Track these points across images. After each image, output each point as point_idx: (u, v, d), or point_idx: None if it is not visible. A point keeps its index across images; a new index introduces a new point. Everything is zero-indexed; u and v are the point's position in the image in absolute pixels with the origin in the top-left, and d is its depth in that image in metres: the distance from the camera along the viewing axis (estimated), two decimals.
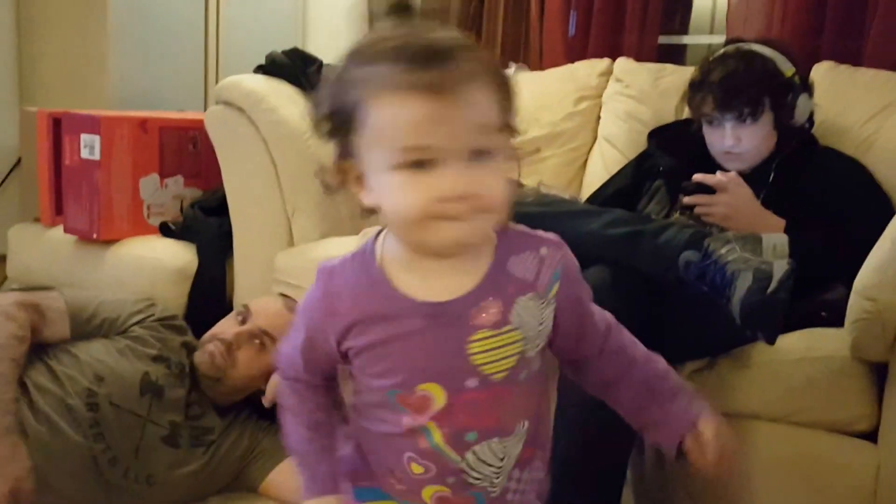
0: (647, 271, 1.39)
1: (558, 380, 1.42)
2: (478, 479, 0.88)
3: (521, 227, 0.90)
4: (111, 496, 1.58)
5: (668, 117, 2.08)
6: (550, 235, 0.90)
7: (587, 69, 2.35)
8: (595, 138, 2.26)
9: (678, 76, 2.13)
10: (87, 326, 1.69)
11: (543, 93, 2.35)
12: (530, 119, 2.31)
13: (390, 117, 0.76)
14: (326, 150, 2.12)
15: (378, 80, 0.76)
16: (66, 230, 2.21)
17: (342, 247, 1.83)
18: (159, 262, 2.10)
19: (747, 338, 1.41)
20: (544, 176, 2.18)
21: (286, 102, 2.03)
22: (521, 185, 1.61)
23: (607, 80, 2.30)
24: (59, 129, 2.23)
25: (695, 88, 1.73)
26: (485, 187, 0.78)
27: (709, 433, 0.94)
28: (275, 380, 1.78)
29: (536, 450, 0.92)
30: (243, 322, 1.79)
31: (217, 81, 2.57)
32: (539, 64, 2.63)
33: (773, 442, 1.46)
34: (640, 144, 2.00)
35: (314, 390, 0.95)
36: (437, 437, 0.86)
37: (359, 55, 0.80)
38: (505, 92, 0.81)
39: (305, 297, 0.90)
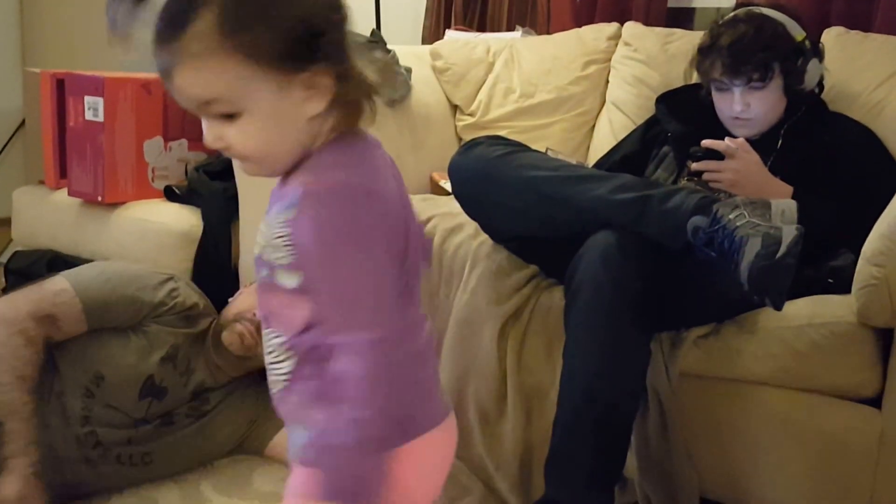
0: (654, 237, 1.38)
1: (564, 348, 1.43)
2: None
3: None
4: (108, 480, 1.58)
5: (677, 82, 2.06)
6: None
7: (595, 33, 2.33)
8: (603, 103, 2.24)
9: (687, 40, 2.11)
10: (102, 321, 1.62)
11: (550, 57, 2.32)
12: (537, 83, 2.29)
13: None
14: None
15: None
16: (70, 193, 2.20)
17: None
18: (164, 226, 2.09)
19: (754, 303, 1.41)
20: (551, 141, 2.17)
21: None
22: (528, 151, 1.61)
23: (615, 45, 2.28)
24: (63, 90, 2.21)
25: (704, 53, 1.71)
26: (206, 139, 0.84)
27: None
28: None
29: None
30: None
31: None
32: (546, 28, 2.60)
33: (778, 407, 1.47)
34: (649, 110, 1.98)
35: None
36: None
37: None
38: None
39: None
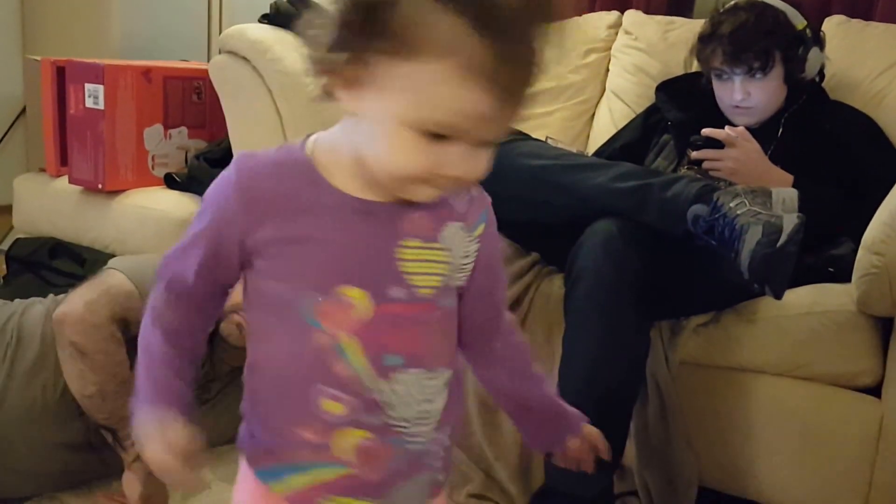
0: (655, 225, 1.37)
1: (563, 335, 1.42)
2: (397, 421, 0.78)
3: None
4: (111, 467, 1.58)
5: (677, 70, 2.05)
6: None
7: (595, 21, 2.31)
8: (603, 91, 2.23)
9: (687, 29, 2.09)
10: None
11: (550, 45, 2.31)
12: None
13: (446, 92, 0.66)
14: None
15: (457, 42, 0.65)
16: (71, 180, 2.19)
17: None
18: (164, 214, 2.08)
19: (754, 292, 1.40)
20: (551, 130, 2.15)
21: (291, 52, 1.99)
22: (528, 139, 1.60)
23: (616, 33, 2.26)
24: (64, 78, 2.19)
25: (704, 41, 1.70)
26: (478, 172, 0.73)
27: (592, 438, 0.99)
28: None
29: (451, 414, 0.83)
30: None
31: (221, 31, 2.53)
32: None
33: (778, 396, 1.46)
34: (649, 98, 1.97)
35: (196, 310, 0.81)
36: (357, 355, 0.76)
37: None
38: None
39: (214, 185, 0.77)
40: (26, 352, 1.52)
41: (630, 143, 1.89)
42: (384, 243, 0.76)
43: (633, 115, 2.01)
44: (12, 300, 1.65)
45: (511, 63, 0.66)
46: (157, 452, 0.77)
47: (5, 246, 2.42)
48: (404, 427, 0.78)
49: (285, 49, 1.99)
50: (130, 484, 1.48)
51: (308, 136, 0.78)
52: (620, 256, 1.36)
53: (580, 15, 2.40)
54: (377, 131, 0.70)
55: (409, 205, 0.75)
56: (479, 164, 0.72)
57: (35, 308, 1.58)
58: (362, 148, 0.72)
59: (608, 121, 2.16)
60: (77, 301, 1.51)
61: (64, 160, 2.24)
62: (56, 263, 2.12)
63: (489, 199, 0.85)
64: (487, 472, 1.59)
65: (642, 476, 1.51)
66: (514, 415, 0.97)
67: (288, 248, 0.75)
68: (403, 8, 0.65)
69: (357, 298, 0.75)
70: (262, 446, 0.81)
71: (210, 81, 2.07)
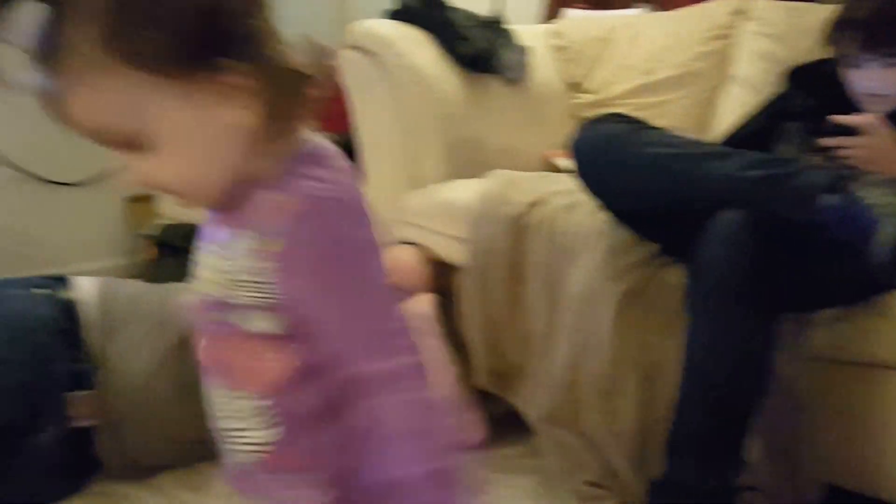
0: (784, 215, 1.32)
1: (686, 327, 1.39)
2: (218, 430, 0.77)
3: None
4: None
5: (805, 57, 1.95)
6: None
7: (718, 8, 2.24)
8: (726, 79, 2.16)
9: (815, 14, 1.99)
10: None
11: (671, 33, 2.25)
12: (658, 60, 2.23)
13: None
14: (453, 94, 2.09)
15: None
16: None
17: (466, 188, 1.83)
18: None
19: (888, 285, 1.33)
20: (672, 118, 2.10)
21: (416, 48, 2.02)
22: (652, 128, 1.57)
23: (740, 19, 2.18)
24: None
25: (838, 27, 1.62)
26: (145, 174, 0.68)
27: None
28: None
29: (288, 462, 0.74)
30: None
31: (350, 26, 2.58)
32: (667, 4, 2.52)
33: None
34: (775, 85, 1.90)
35: None
36: (211, 394, 0.77)
37: None
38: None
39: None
40: (172, 328, 1.60)
41: (755, 131, 1.81)
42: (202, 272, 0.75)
43: (759, 103, 1.94)
44: (163, 282, 1.75)
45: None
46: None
47: (154, 231, 2.56)
48: (224, 438, 0.76)
49: (410, 45, 2.02)
50: None
51: None
52: (746, 249, 1.32)
53: (702, 1, 2.33)
54: None
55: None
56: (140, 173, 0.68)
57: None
58: None
59: (732, 108, 2.08)
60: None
61: None
62: (191, 246, 2.22)
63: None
64: (604, 460, 1.57)
65: (764, 472, 1.46)
66: None
67: None
68: None
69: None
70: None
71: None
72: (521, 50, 2.19)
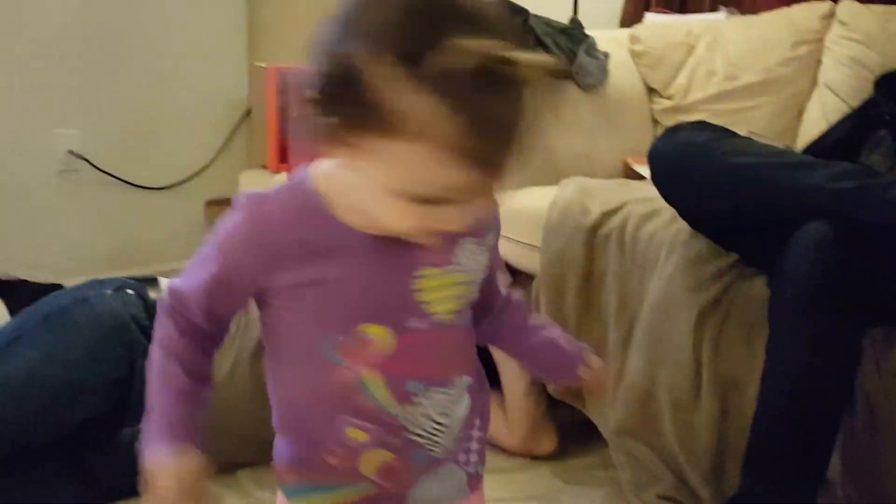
0: (873, 228, 1.28)
1: (767, 341, 1.35)
2: (419, 436, 0.80)
3: None
4: None
5: None
6: None
7: (806, 12, 2.18)
8: (814, 85, 2.10)
9: None
10: None
11: (756, 37, 2.20)
12: (742, 65, 2.18)
13: (428, 169, 0.65)
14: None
15: (433, 129, 0.63)
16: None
17: (539, 196, 1.82)
18: None
19: None
20: (756, 125, 2.06)
21: None
22: (735, 136, 1.53)
23: (829, 24, 2.12)
24: (286, 83, 2.35)
25: None
26: (466, 225, 0.71)
27: (595, 365, 0.98)
28: None
29: (477, 413, 0.86)
30: None
31: None
32: (751, 6, 2.47)
33: None
34: (865, 92, 1.84)
35: (205, 337, 0.79)
36: (379, 388, 0.77)
37: (419, 57, 0.62)
38: None
39: (224, 227, 0.76)
40: (252, 331, 1.64)
41: (843, 140, 1.76)
42: (400, 277, 0.76)
43: (847, 110, 1.88)
44: None
45: (490, 136, 0.64)
46: (168, 489, 0.75)
47: None
48: (425, 440, 0.80)
49: None
50: None
51: (305, 169, 0.77)
52: (833, 261, 1.28)
53: (789, 5, 2.27)
54: (369, 192, 0.69)
55: None
56: (475, 214, 0.71)
57: None
58: (362, 197, 0.71)
59: (819, 115, 2.03)
60: None
61: (283, 158, 2.40)
62: None
63: (497, 204, 0.76)
64: (678, 473, 1.54)
65: (847, 490, 1.41)
66: (524, 362, 1.01)
67: (305, 291, 0.75)
68: (373, 87, 0.63)
69: (378, 335, 0.76)
70: (288, 464, 0.83)
71: None
72: (601, 56, 2.17)
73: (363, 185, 0.69)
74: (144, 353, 1.52)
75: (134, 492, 1.49)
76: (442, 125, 0.62)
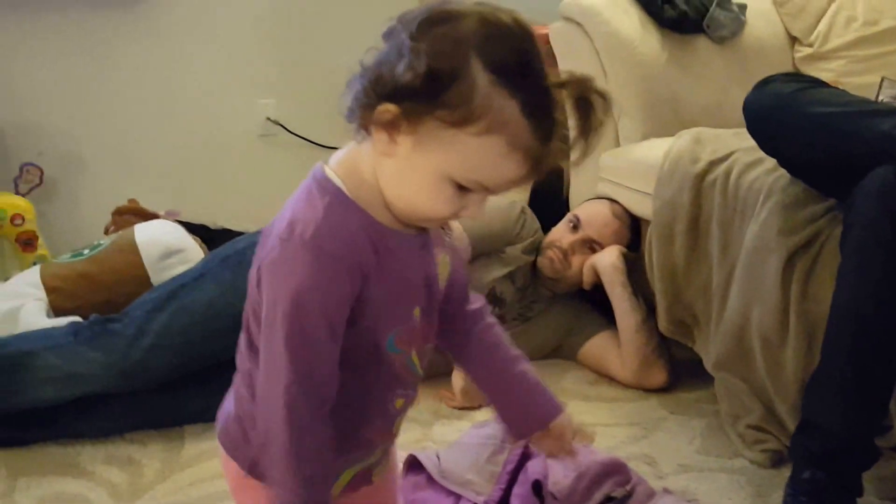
0: None
1: (837, 273, 1.42)
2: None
3: None
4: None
5: None
6: None
7: None
8: None
9: None
10: (479, 251, 1.96)
11: None
12: (883, 9, 2.15)
13: (492, 160, 0.75)
14: (654, 57, 2.17)
15: (507, 124, 0.74)
16: None
17: (659, 146, 1.95)
18: None
19: None
20: (894, 69, 2.04)
21: (619, 15, 2.15)
22: (821, 86, 1.59)
23: None
24: None
25: None
26: (481, 214, 0.81)
27: (561, 430, 0.97)
28: (589, 264, 2.00)
29: None
30: (574, 230, 2.02)
31: None
32: None
33: None
34: None
35: (335, 366, 0.81)
36: (417, 360, 0.88)
37: (509, 66, 0.74)
38: None
39: (306, 276, 0.77)
40: None
41: None
42: (431, 265, 0.87)
43: None
44: None
45: (546, 141, 0.75)
46: None
47: None
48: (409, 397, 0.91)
49: (613, 13, 2.15)
50: (455, 379, 1.83)
51: (323, 174, 0.82)
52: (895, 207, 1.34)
53: None
54: (414, 178, 0.78)
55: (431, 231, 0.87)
56: (484, 207, 0.81)
57: None
58: (389, 186, 0.80)
59: None
60: None
61: None
62: None
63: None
64: (768, 406, 1.65)
65: None
66: (495, 397, 0.99)
67: (375, 295, 0.81)
68: (468, 85, 0.73)
69: (417, 315, 0.86)
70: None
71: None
72: (737, 8, 2.22)
73: (410, 173, 0.77)
74: None
75: None
76: (515, 125, 0.74)
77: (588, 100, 0.77)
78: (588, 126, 0.77)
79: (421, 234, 0.85)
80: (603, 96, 0.77)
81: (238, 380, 0.91)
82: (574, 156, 0.78)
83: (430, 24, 0.75)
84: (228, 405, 0.93)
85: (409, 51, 0.74)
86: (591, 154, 0.79)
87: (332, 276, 0.78)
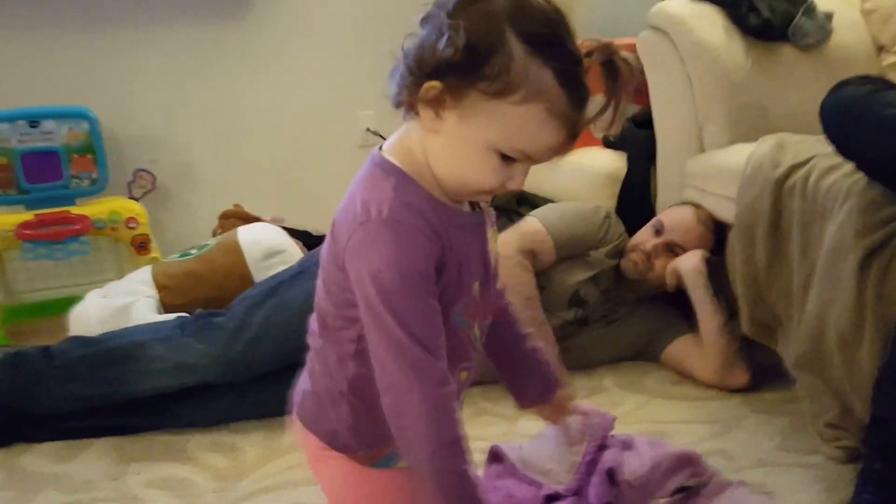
0: None
1: None
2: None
3: None
4: None
5: None
6: None
7: None
8: None
9: None
10: (565, 253, 2.05)
11: None
12: None
13: (532, 128, 0.80)
14: (738, 64, 2.20)
15: (544, 92, 0.79)
16: None
17: (744, 152, 1.98)
18: (595, 169, 2.45)
19: None
20: None
21: (704, 23, 2.20)
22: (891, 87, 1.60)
23: None
24: None
25: None
26: (522, 185, 0.87)
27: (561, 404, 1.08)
28: (672, 268, 2.05)
29: None
30: (658, 234, 2.08)
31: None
32: None
33: None
34: None
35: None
36: (477, 332, 0.94)
37: (541, 37, 0.79)
38: None
39: (396, 249, 0.83)
40: None
41: None
42: (485, 241, 0.93)
43: None
44: None
45: (580, 108, 0.82)
46: None
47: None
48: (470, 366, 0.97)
49: (699, 21, 2.20)
50: None
51: (383, 157, 0.89)
52: None
53: None
54: (461, 151, 0.83)
55: (481, 210, 0.92)
56: (526, 178, 0.87)
57: None
58: (438, 162, 0.85)
59: None
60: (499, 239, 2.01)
61: None
62: (521, 210, 2.63)
63: None
64: (845, 404, 1.67)
65: None
66: (501, 367, 1.07)
67: (448, 269, 0.86)
68: (505, 56, 0.79)
69: (476, 289, 0.92)
70: (373, 445, 0.96)
71: None
72: (823, 16, 2.24)
73: (457, 146, 0.83)
74: None
75: None
76: (551, 93, 0.79)
77: (614, 63, 0.82)
78: (615, 88, 0.82)
79: (474, 211, 0.91)
80: (626, 60, 0.83)
81: (312, 356, 0.98)
82: (606, 120, 0.83)
83: (466, 3, 0.80)
84: (304, 383, 1.00)
85: (449, 28, 0.78)
86: (620, 119, 0.84)
87: (416, 243, 0.83)
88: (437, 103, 0.81)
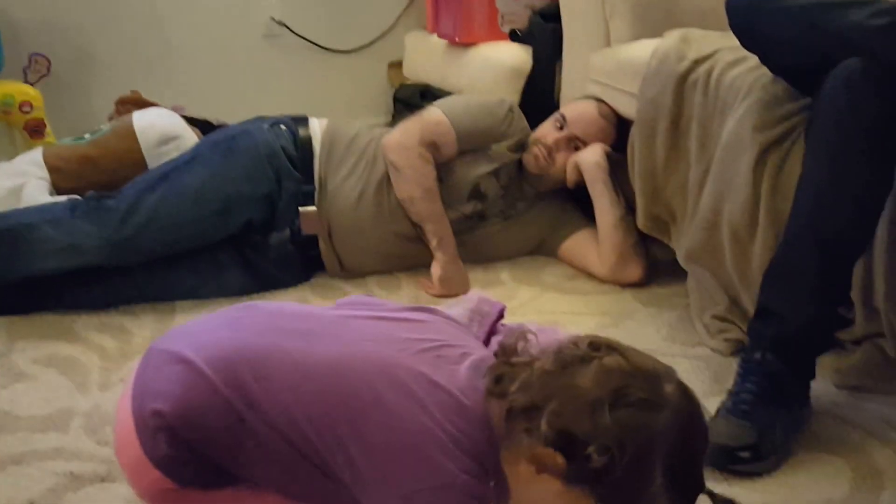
0: None
1: (802, 163, 1.40)
2: None
3: None
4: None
5: None
6: None
7: None
8: None
9: None
10: (466, 146, 1.95)
11: None
12: None
13: None
14: None
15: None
16: (438, 35, 2.54)
17: (650, 47, 1.89)
18: (501, 63, 2.34)
19: None
20: None
21: None
22: None
23: None
24: None
25: None
26: None
27: None
28: (572, 161, 1.98)
29: None
30: (560, 128, 1.99)
31: None
32: None
33: None
34: None
35: None
36: None
37: (684, 474, 0.80)
38: None
39: None
40: (378, 166, 1.91)
41: None
42: None
43: None
44: None
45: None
46: None
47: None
48: None
49: None
50: (434, 268, 1.83)
51: None
52: (860, 95, 1.30)
53: None
54: (528, 497, 0.84)
55: None
56: None
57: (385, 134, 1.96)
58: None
59: None
60: (398, 129, 1.90)
61: (437, 19, 2.59)
62: (424, 104, 2.51)
63: None
64: (733, 297, 1.65)
65: (889, 317, 1.46)
66: None
67: None
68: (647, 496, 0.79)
69: None
70: None
71: None
72: None
73: (529, 496, 0.85)
74: (290, 176, 1.88)
75: (282, 283, 1.87)
76: None
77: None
78: None
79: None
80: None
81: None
82: None
83: (631, 405, 0.78)
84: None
85: (614, 442, 0.76)
86: None
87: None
88: (543, 468, 0.79)
